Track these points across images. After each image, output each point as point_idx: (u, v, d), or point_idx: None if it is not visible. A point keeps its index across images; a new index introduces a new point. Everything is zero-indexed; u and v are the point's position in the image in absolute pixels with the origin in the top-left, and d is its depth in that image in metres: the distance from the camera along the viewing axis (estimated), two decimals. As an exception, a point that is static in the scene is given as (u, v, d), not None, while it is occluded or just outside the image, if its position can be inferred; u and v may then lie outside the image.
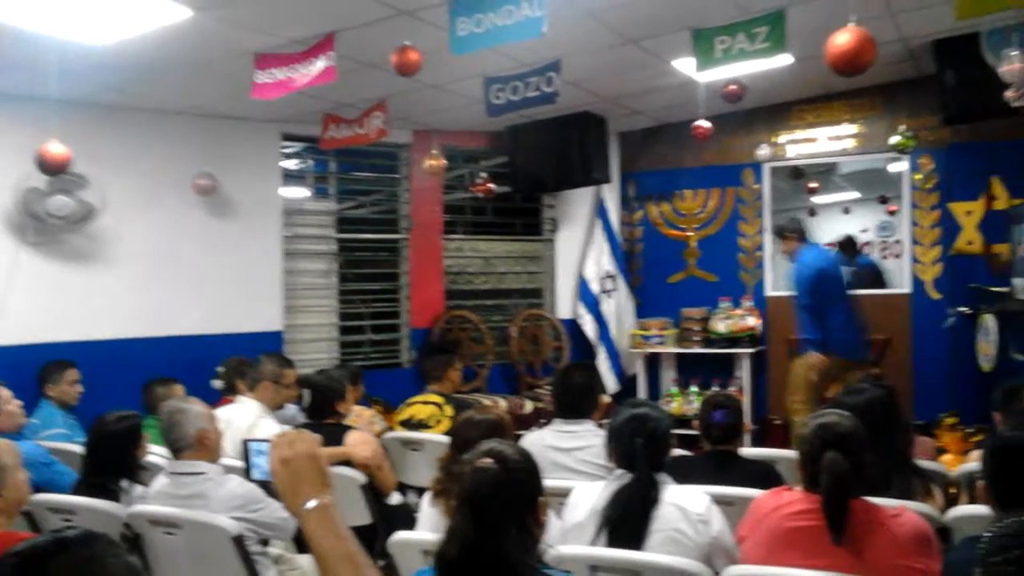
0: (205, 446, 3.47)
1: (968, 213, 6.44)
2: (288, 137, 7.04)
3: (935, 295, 7.10)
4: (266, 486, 3.26)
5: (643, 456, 2.93)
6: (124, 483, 3.67)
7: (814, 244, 6.54)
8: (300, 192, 7.48)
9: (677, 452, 3.72)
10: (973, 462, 3.69)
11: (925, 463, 3.64)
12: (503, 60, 5.22)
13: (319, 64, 4.55)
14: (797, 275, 6.29)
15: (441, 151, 6.14)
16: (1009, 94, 4.77)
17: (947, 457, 5.02)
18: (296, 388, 4.89)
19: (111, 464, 3.69)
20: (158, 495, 3.46)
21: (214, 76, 5.40)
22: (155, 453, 4.06)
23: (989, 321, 6.17)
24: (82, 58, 4.75)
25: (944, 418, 5.55)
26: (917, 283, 7.19)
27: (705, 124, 5.94)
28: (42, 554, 1.30)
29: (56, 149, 4.54)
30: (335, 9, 4.39)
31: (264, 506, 3.36)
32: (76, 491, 3.72)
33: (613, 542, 2.81)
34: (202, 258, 6.50)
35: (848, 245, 9.28)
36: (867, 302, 7.41)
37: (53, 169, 4.68)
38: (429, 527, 3.08)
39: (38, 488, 4.01)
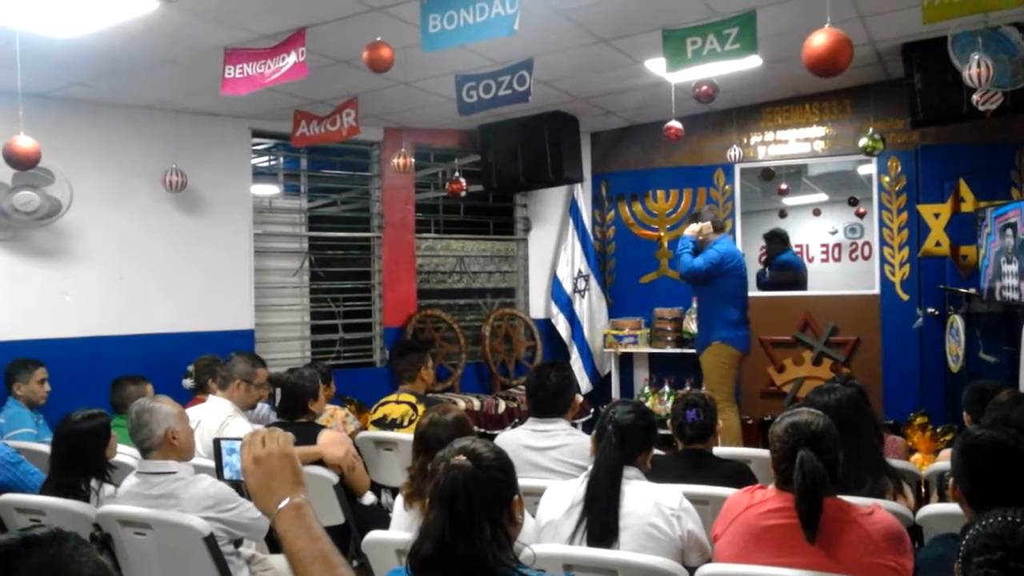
0: (174, 446, 3.43)
1: (936, 215, 6.50)
2: (258, 134, 6.98)
3: (904, 296, 7.18)
4: (238, 486, 3.23)
5: (609, 443, 2.97)
6: (93, 483, 3.62)
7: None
8: (271, 189, 7.43)
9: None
10: (943, 461, 3.73)
11: (896, 462, 3.67)
12: (475, 58, 5.21)
13: (290, 60, 4.51)
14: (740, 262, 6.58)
15: (412, 149, 6.13)
16: (976, 97, 4.82)
17: (917, 456, 5.06)
18: (268, 387, 4.85)
19: (79, 463, 3.64)
20: (128, 495, 3.41)
21: (183, 71, 5.34)
22: (124, 453, 4.02)
23: (957, 322, 6.24)
24: (47, 51, 4.68)
25: (914, 418, 5.60)
26: (886, 284, 7.26)
27: (676, 125, 5.95)
28: (10, 553, 1.27)
29: (25, 143, 4.45)
30: (305, 4, 4.35)
31: (236, 506, 3.33)
32: (43, 491, 3.67)
33: (591, 538, 2.82)
34: (172, 255, 6.43)
35: (771, 239, 8.97)
36: (838, 302, 7.51)
37: (22, 163, 4.59)
38: (403, 527, 3.06)
39: (5, 488, 3.97)
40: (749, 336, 6.71)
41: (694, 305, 7.66)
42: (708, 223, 6.62)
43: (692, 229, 6.63)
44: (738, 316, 6.55)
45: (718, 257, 6.48)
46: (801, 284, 8.60)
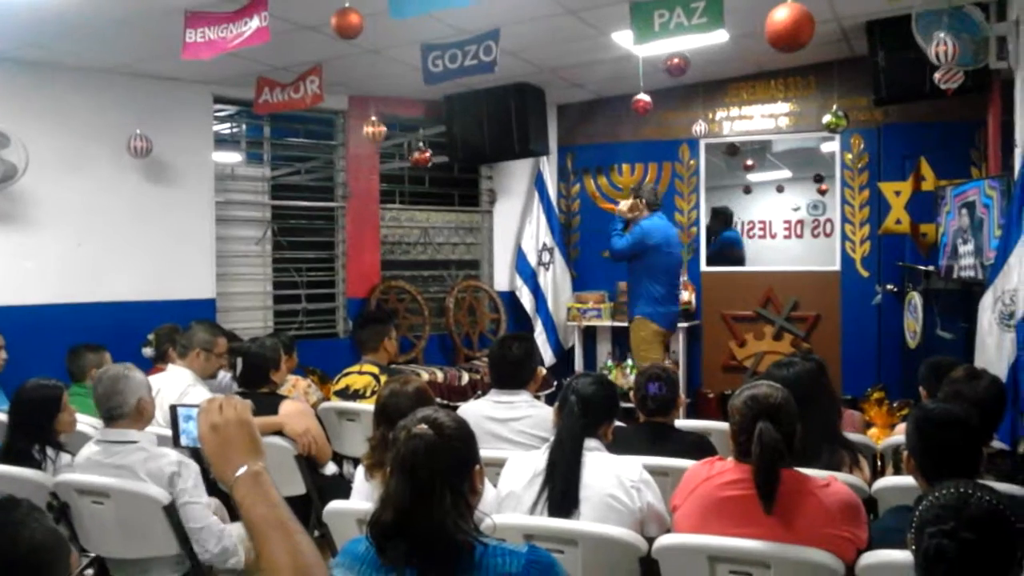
0: (142, 415, 3.42)
1: (897, 193, 6.56)
2: (220, 100, 6.88)
3: (864, 273, 7.26)
4: (195, 453, 3.21)
5: (572, 413, 3.00)
6: (50, 451, 3.59)
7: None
8: (233, 157, 7.33)
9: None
10: (898, 435, 3.79)
11: (853, 436, 3.72)
12: (442, 27, 5.16)
13: (252, 24, 4.41)
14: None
15: (378, 119, 6.05)
16: (938, 76, 4.87)
17: (874, 431, 5.16)
18: (227, 357, 4.82)
19: (32, 431, 3.61)
20: (87, 463, 3.38)
21: (142, 34, 5.24)
22: (83, 423, 3.97)
23: (916, 299, 6.32)
24: (1, 11, 4.57)
25: (871, 392, 5.69)
26: (847, 261, 7.34)
27: (645, 98, 5.95)
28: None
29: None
30: (270, -32, 4.27)
31: (193, 501, 3.29)
32: (-2, 460, 3.64)
33: (552, 508, 2.84)
34: (131, 222, 6.33)
35: (715, 216, 8.95)
36: (799, 278, 7.59)
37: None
38: (364, 498, 3.06)
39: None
40: (675, 313, 6.78)
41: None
42: (640, 200, 6.66)
43: (621, 207, 6.67)
44: (663, 292, 6.58)
45: (640, 233, 6.53)
46: (739, 261, 8.74)
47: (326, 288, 7.64)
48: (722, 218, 8.91)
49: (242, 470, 1.56)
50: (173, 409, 1.89)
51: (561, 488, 2.86)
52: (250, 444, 1.60)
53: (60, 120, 5.99)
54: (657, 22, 4.51)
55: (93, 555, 3.51)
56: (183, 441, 1.87)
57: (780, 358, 3.83)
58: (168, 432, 3.60)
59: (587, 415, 3.01)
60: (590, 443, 2.97)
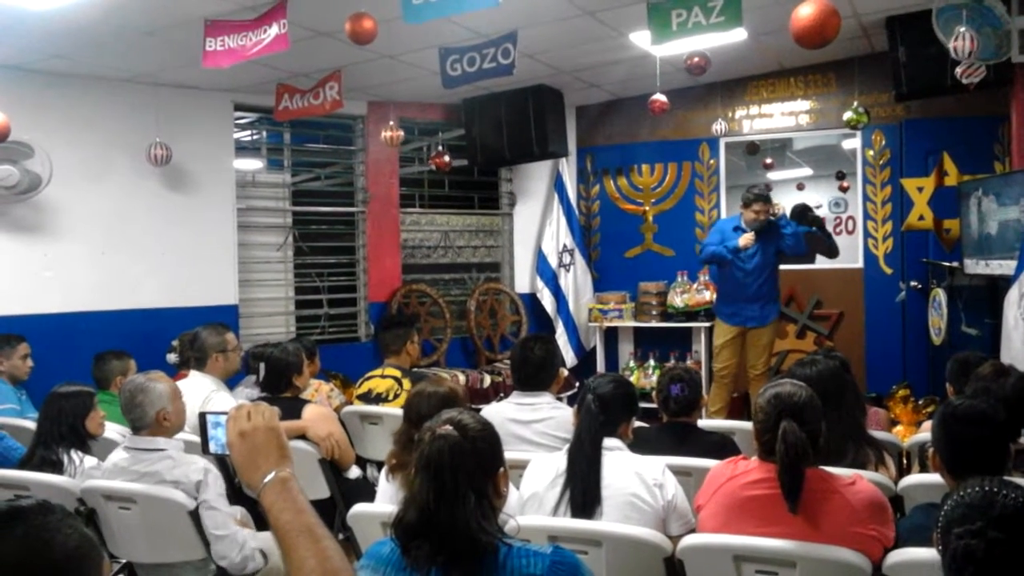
0: (164, 426, 3.44)
1: (920, 189, 6.52)
2: (241, 107, 6.93)
3: (887, 270, 7.21)
4: (222, 460, 3.23)
5: (589, 412, 3.01)
6: (75, 455, 3.63)
7: None
8: (254, 164, 7.37)
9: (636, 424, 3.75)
10: (924, 433, 3.76)
11: (878, 434, 3.70)
12: (459, 31, 5.17)
13: (271, 32, 4.44)
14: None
15: (397, 123, 6.07)
16: (959, 71, 4.83)
17: (899, 428, 5.11)
18: (240, 347, 4.87)
19: (63, 432, 3.67)
20: (116, 469, 3.40)
21: (163, 43, 5.28)
22: (110, 429, 4.01)
23: (940, 295, 6.28)
24: (26, 23, 4.62)
25: (896, 390, 5.64)
26: (870, 258, 7.29)
27: (661, 98, 5.93)
28: (-4, 523, 1.27)
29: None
30: (288, -25, 4.30)
31: (214, 510, 3.31)
32: (23, 464, 3.68)
33: (573, 507, 2.84)
34: (154, 230, 6.39)
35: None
36: (821, 276, 7.55)
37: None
38: (387, 500, 3.07)
39: (-11, 463, 3.96)
40: None
41: (678, 279, 7.63)
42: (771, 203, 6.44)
43: (779, 207, 6.49)
44: None
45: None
46: None
47: (347, 293, 7.66)
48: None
49: (270, 476, 1.57)
50: (202, 416, 1.91)
51: (581, 487, 2.86)
52: (278, 451, 1.61)
53: (83, 130, 6.05)
54: (675, 21, 4.50)
55: (124, 561, 3.54)
56: (211, 448, 1.88)
57: (803, 356, 3.81)
58: (193, 438, 3.65)
59: (605, 413, 3.00)
60: (610, 442, 2.97)
